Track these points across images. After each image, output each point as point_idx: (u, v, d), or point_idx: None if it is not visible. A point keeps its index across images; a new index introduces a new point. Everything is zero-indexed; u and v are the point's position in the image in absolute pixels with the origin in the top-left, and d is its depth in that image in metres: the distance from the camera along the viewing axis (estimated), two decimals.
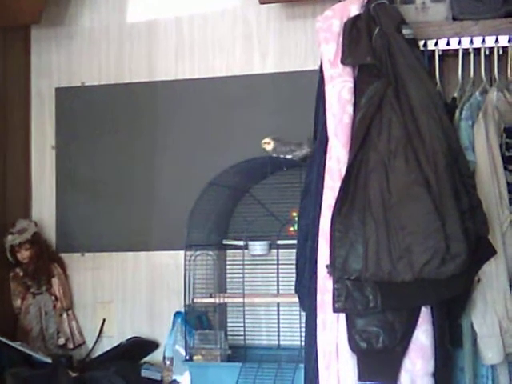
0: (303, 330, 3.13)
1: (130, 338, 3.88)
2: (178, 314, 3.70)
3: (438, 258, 2.75)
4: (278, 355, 3.49)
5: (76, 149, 4.06)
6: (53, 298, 3.95)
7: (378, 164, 2.87)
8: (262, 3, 3.67)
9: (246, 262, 3.61)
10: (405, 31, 3.04)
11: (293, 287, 3.20)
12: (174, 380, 3.65)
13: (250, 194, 3.74)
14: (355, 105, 2.96)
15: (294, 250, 3.19)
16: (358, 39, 3.00)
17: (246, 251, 3.66)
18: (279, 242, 3.63)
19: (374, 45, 2.99)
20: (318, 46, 3.09)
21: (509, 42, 3.16)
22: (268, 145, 3.60)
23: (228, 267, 3.76)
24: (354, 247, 2.84)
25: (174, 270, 3.83)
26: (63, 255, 4.04)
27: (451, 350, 3.02)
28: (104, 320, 3.96)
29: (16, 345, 3.68)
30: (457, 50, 3.22)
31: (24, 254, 3.93)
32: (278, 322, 3.65)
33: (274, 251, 3.68)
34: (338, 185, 2.89)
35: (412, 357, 2.85)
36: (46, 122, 4.13)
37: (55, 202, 4.07)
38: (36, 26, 4.03)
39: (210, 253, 3.67)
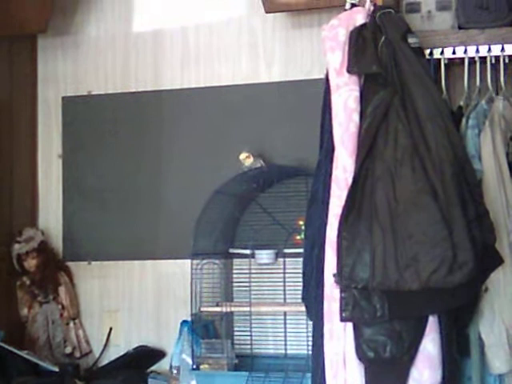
0: (310, 339, 3.12)
1: (137, 347, 3.87)
2: (184, 322, 3.70)
3: (445, 267, 2.74)
4: (284, 364, 3.49)
5: (82, 157, 4.07)
6: (59, 306, 3.96)
7: (384, 173, 2.87)
8: (267, 12, 3.66)
9: (252, 271, 3.61)
10: (410, 40, 3.03)
11: (300, 296, 3.19)
12: None
13: (256, 202, 3.74)
14: (361, 114, 2.95)
15: (301, 259, 3.19)
16: (363, 48, 3.00)
17: (252, 260, 3.66)
18: (286, 250, 3.62)
19: (380, 54, 2.99)
20: (323, 54, 3.08)
21: None
22: (248, 159, 3.60)
23: (234, 276, 3.76)
24: (361, 256, 2.82)
25: (180, 279, 3.82)
26: (70, 264, 4.04)
27: (459, 360, 3.01)
28: (111, 329, 3.96)
29: (23, 353, 3.68)
30: (463, 59, 3.21)
31: (31, 263, 3.93)
32: (285, 331, 3.64)
33: (281, 260, 3.67)
34: (344, 193, 2.88)
35: (419, 366, 2.83)
36: (52, 130, 4.14)
37: (62, 211, 4.08)
38: (42, 35, 4.04)
39: (217, 261, 3.67)
